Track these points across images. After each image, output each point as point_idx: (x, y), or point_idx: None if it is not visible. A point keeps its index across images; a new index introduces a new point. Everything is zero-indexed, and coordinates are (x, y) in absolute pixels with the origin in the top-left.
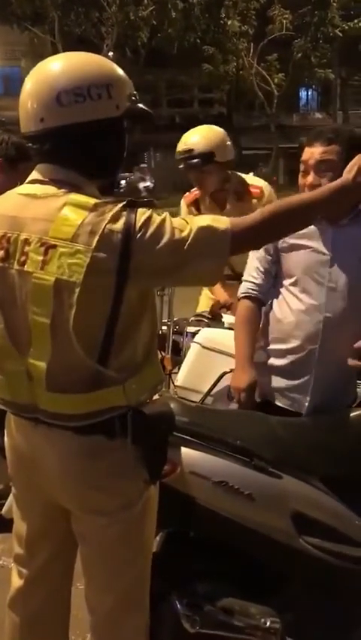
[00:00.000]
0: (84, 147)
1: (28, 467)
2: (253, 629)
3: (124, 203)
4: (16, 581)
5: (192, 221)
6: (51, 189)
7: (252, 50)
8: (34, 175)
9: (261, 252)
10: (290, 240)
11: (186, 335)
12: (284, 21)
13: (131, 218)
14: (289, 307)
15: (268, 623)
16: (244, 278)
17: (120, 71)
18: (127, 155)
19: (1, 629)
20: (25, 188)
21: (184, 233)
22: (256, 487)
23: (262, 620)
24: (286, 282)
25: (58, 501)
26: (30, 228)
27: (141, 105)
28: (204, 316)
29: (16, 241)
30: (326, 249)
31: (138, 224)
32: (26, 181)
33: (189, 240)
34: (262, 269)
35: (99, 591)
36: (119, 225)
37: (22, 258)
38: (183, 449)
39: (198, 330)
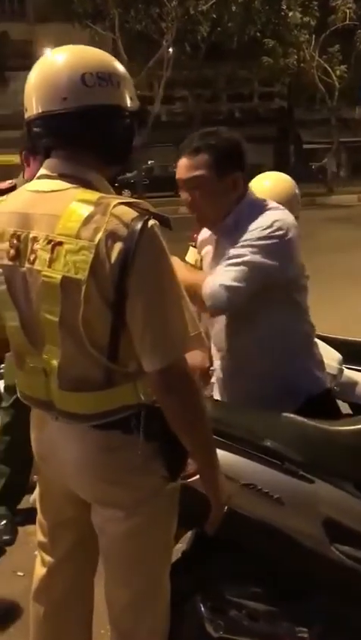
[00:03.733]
0: (101, 130)
1: (50, 459)
2: (278, 638)
3: (141, 212)
4: (40, 571)
5: (181, 296)
6: (59, 185)
7: (313, 42)
8: (43, 170)
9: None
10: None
11: None
12: (348, 11)
13: (135, 235)
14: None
15: (294, 631)
16: None
17: None
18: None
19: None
20: (34, 184)
21: (168, 298)
22: (286, 491)
23: (289, 627)
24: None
25: (77, 493)
26: (39, 225)
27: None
28: None
29: (26, 239)
30: (212, 260)
31: (142, 248)
32: (35, 177)
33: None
34: None
35: (116, 585)
36: (124, 232)
37: (32, 256)
38: None
39: None
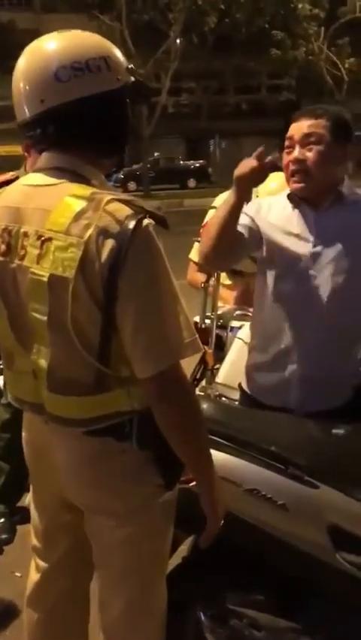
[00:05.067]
0: (88, 124)
1: (42, 462)
2: None
3: (136, 210)
4: (34, 576)
5: (176, 300)
6: (53, 179)
7: (322, 34)
8: (38, 164)
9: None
10: (272, 223)
11: (231, 329)
12: (358, 3)
13: (127, 233)
14: (270, 297)
15: None
16: None
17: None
18: (193, 143)
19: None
20: (29, 178)
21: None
22: (291, 496)
23: (291, 638)
24: (267, 270)
25: (69, 498)
26: (30, 220)
27: (139, 79)
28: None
29: (17, 234)
30: (309, 235)
31: (135, 248)
32: (31, 170)
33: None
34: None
35: (109, 594)
36: (116, 229)
37: (22, 252)
38: (214, 452)
39: (243, 325)
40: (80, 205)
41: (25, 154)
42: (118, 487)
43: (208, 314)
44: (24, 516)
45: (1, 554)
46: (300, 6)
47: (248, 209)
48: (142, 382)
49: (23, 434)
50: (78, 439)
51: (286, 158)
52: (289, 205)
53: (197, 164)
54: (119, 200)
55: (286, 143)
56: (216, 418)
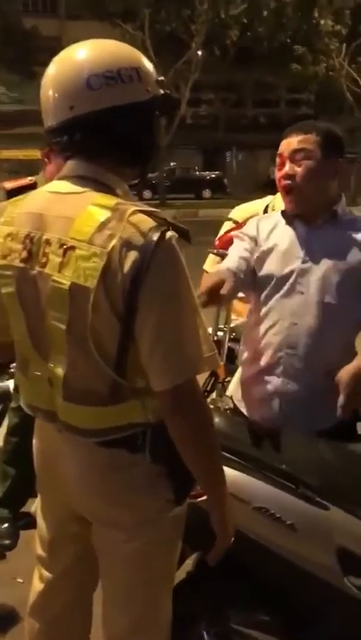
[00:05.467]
0: (117, 134)
1: (52, 471)
2: None
3: (160, 222)
4: (37, 585)
5: (197, 314)
6: (77, 187)
7: (344, 51)
8: (63, 172)
9: (241, 244)
10: (266, 244)
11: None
12: None
13: (151, 245)
14: (261, 311)
15: None
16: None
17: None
18: (209, 154)
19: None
20: (53, 185)
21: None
22: (300, 517)
23: None
24: (260, 287)
25: (78, 509)
26: (53, 228)
27: (167, 91)
28: None
29: (39, 241)
30: (299, 251)
31: (157, 260)
32: (56, 177)
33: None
34: (241, 256)
35: (114, 609)
36: (139, 241)
37: (44, 260)
38: (224, 468)
39: None
40: (104, 215)
41: (45, 160)
42: (128, 500)
43: (221, 326)
44: (28, 522)
45: (3, 560)
46: (322, 22)
47: (250, 229)
48: (157, 395)
49: (34, 441)
50: (90, 449)
51: (278, 174)
52: (282, 221)
53: (213, 175)
54: (143, 212)
55: (278, 160)
56: (227, 433)
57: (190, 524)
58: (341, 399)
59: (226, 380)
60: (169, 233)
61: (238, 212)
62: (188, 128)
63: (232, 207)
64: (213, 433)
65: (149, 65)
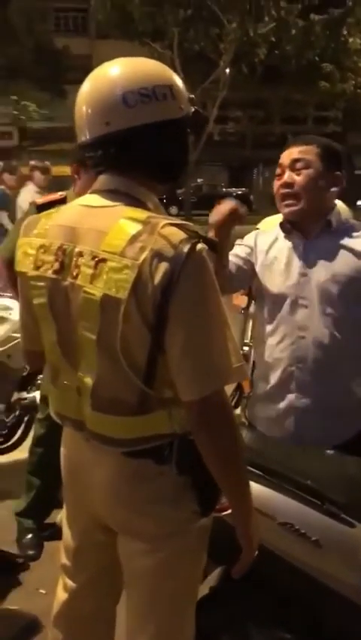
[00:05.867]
0: (150, 150)
1: (79, 480)
2: None
3: (190, 234)
4: (61, 595)
5: (226, 325)
6: (109, 201)
7: None
8: (95, 186)
9: (239, 248)
10: (265, 253)
11: None
12: None
13: (181, 257)
14: (267, 327)
15: None
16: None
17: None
18: (236, 170)
19: None
20: (85, 198)
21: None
22: (325, 533)
23: None
24: (263, 301)
25: (104, 518)
26: (85, 240)
27: (199, 109)
28: None
29: (71, 253)
30: (298, 263)
31: (188, 272)
32: (89, 191)
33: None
34: (238, 255)
35: (138, 620)
36: (170, 252)
37: (75, 271)
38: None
39: None
40: (135, 228)
41: (75, 175)
42: (154, 511)
43: (247, 341)
44: (52, 533)
45: (27, 570)
46: (351, 40)
47: (247, 240)
48: (185, 405)
49: (62, 450)
50: (117, 459)
51: (276, 184)
52: (281, 234)
53: (239, 192)
54: (174, 225)
55: (277, 170)
56: (252, 447)
57: (214, 538)
58: None
59: (251, 395)
60: (199, 246)
61: (265, 223)
62: (215, 144)
63: (258, 223)
64: (240, 446)
65: (181, 83)
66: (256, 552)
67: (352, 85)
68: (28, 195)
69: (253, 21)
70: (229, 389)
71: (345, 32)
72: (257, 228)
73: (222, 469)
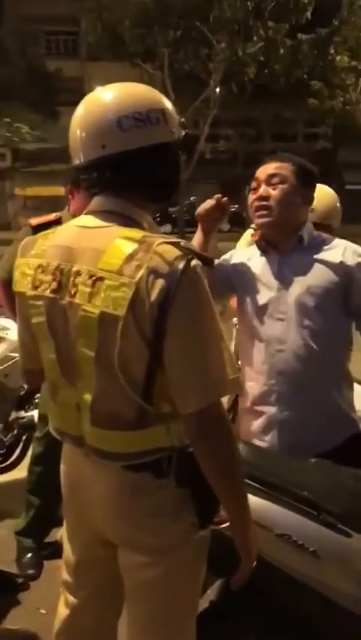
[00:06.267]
0: (144, 172)
1: (79, 495)
2: None
3: (185, 251)
4: (63, 612)
5: (221, 338)
6: (104, 221)
7: (360, 85)
8: (91, 207)
9: (220, 265)
10: (242, 271)
11: None
12: None
13: (177, 273)
14: (247, 342)
15: None
16: None
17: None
18: (228, 188)
19: None
20: (81, 219)
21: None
22: (323, 544)
23: None
24: (243, 316)
25: (104, 533)
26: (82, 260)
27: (189, 132)
28: None
29: (68, 272)
30: (273, 279)
31: (183, 288)
32: (84, 212)
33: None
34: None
35: (138, 634)
36: (165, 269)
37: (73, 290)
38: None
39: None
40: (131, 247)
41: (69, 196)
42: (153, 524)
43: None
44: (52, 551)
45: (27, 590)
46: (338, 58)
47: (225, 256)
48: (183, 418)
49: (62, 466)
50: (116, 473)
51: (252, 197)
52: (257, 252)
53: (231, 209)
54: (169, 243)
55: (253, 184)
56: (249, 460)
57: (213, 550)
58: None
59: None
60: (194, 262)
61: (245, 240)
62: (207, 163)
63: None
64: (238, 457)
65: (172, 107)
66: (255, 563)
67: (340, 102)
68: None
69: (242, 41)
70: (227, 403)
71: (332, 51)
72: (253, 228)
73: (220, 480)
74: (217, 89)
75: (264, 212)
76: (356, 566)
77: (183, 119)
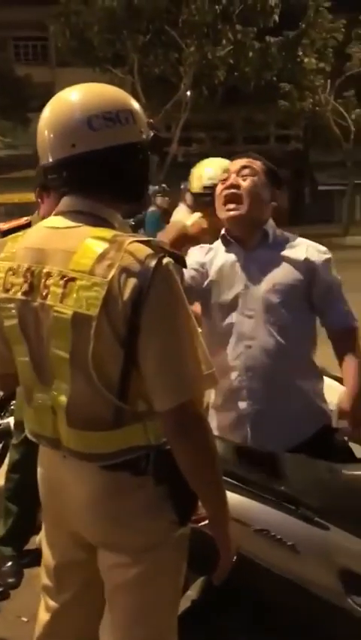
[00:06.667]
0: (113, 171)
1: (57, 498)
2: None
3: (156, 249)
4: (44, 616)
5: (195, 334)
6: (74, 221)
7: (329, 87)
8: (60, 207)
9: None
10: (210, 274)
11: None
12: None
13: (148, 271)
14: (217, 339)
15: None
16: None
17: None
18: None
19: None
20: (50, 220)
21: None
22: (301, 538)
23: None
24: (211, 313)
25: (83, 535)
26: (53, 261)
27: (158, 133)
28: None
29: (39, 274)
30: (240, 274)
31: (156, 285)
32: (53, 213)
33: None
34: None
35: (120, 633)
36: (137, 268)
37: (45, 292)
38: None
39: None
40: (102, 247)
41: (39, 200)
42: (133, 523)
43: None
44: (32, 559)
45: (7, 599)
46: (306, 60)
47: (191, 257)
48: (160, 415)
49: (39, 469)
50: (95, 474)
51: (220, 187)
52: (221, 248)
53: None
54: (140, 241)
55: (223, 175)
56: (226, 457)
57: (193, 549)
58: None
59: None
60: (165, 260)
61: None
62: (180, 166)
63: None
64: (215, 453)
65: (140, 108)
66: (235, 557)
67: (310, 103)
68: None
69: (211, 44)
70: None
71: (300, 53)
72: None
73: (198, 476)
74: (188, 93)
75: (232, 205)
76: (333, 558)
77: (152, 120)
